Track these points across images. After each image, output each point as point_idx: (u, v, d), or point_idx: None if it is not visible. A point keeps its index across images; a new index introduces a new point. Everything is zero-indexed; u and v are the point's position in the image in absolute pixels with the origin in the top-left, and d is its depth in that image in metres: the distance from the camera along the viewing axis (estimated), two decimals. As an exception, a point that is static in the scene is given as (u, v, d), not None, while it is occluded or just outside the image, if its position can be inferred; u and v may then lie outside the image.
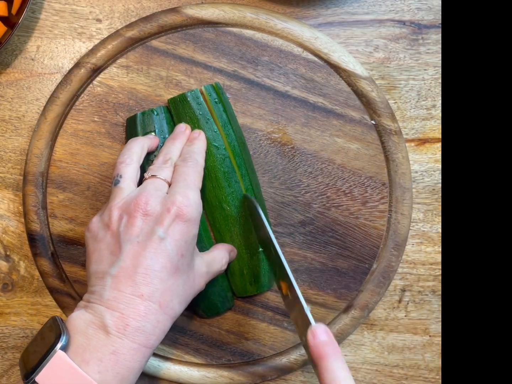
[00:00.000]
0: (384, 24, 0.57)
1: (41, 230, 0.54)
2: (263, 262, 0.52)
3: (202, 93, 0.52)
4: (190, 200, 0.44)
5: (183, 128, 0.51)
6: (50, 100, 0.54)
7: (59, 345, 0.39)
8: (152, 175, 0.47)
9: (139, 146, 0.49)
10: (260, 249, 0.51)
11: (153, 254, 0.41)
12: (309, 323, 0.41)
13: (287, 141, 0.54)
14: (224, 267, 0.50)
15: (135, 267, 0.41)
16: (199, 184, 0.47)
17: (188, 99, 0.51)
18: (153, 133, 0.52)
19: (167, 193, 0.45)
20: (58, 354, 0.39)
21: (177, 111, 0.52)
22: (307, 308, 0.42)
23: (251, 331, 0.54)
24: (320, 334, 0.40)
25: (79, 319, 0.41)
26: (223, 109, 0.52)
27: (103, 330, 0.40)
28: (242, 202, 0.51)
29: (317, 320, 0.54)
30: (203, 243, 0.52)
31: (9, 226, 0.56)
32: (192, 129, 0.52)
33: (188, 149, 0.49)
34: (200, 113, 0.51)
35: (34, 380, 0.39)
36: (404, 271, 0.56)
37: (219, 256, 0.49)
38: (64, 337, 0.40)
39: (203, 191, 0.52)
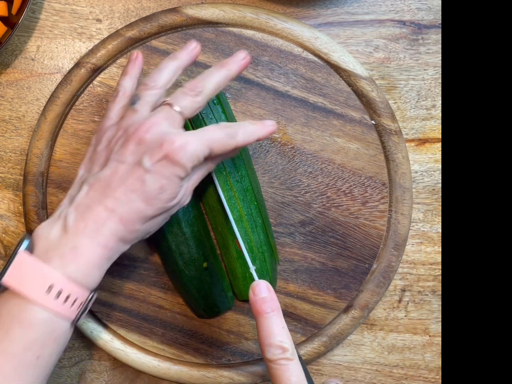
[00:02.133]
0: (384, 24, 0.57)
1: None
2: (266, 263, 0.52)
3: None
4: (189, 148, 0.42)
5: (241, 56, 0.47)
6: (50, 100, 0.54)
7: (20, 247, 0.42)
8: (167, 103, 0.44)
9: (170, 72, 0.46)
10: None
11: (131, 177, 0.42)
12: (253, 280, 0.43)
13: (287, 141, 0.54)
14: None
15: (109, 181, 0.42)
16: (213, 145, 0.43)
17: None
18: None
19: (175, 128, 0.43)
20: (20, 254, 0.41)
21: None
22: (252, 267, 0.45)
23: (251, 331, 0.54)
24: (260, 291, 0.41)
25: (43, 227, 0.43)
26: (221, 110, 0.52)
27: (64, 231, 0.42)
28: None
29: (317, 320, 0.54)
30: (204, 247, 0.52)
31: (9, 226, 0.56)
32: (194, 127, 0.51)
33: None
34: (203, 112, 0.51)
35: (1, 284, 0.41)
36: (404, 271, 0.56)
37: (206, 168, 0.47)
38: (25, 241, 0.42)
39: (204, 196, 0.52)
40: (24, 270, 0.41)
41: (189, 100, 0.44)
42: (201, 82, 0.45)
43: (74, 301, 0.42)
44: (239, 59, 0.47)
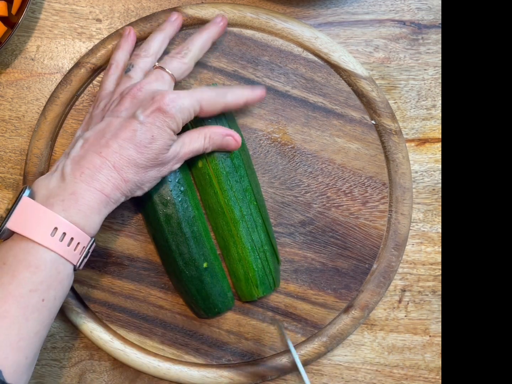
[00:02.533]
0: (384, 24, 0.57)
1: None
2: (268, 263, 0.52)
3: None
4: (179, 100, 0.45)
5: (218, 20, 0.52)
6: (50, 100, 0.54)
7: (23, 194, 0.43)
8: (159, 66, 0.49)
9: (158, 42, 0.51)
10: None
11: (126, 128, 0.45)
12: None
13: (287, 141, 0.54)
14: (207, 145, 0.50)
15: (104, 133, 0.45)
16: (204, 103, 0.47)
17: None
18: None
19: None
20: (24, 199, 0.43)
21: None
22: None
23: (251, 331, 0.54)
24: None
25: (42, 179, 0.45)
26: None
27: (62, 178, 0.44)
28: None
29: (317, 320, 0.54)
30: (205, 247, 0.51)
31: (9, 226, 0.55)
32: (192, 127, 0.51)
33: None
34: None
35: (6, 229, 0.43)
36: (404, 271, 0.56)
37: (199, 135, 0.50)
38: (27, 190, 0.44)
39: (205, 198, 0.52)
40: (28, 214, 0.43)
41: (177, 62, 0.49)
42: (186, 46, 0.50)
43: (77, 244, 0.44)
44: (217, 22, 0.52)
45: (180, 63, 0.50)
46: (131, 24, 0.55)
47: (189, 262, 0.51)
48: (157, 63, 0.50)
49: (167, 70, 0.49)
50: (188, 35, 0.54)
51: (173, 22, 0.53)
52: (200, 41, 0.51)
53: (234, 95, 0.49)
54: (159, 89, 0.47)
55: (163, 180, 0.50)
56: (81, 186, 0.44)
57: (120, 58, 0.52)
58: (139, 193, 0.47)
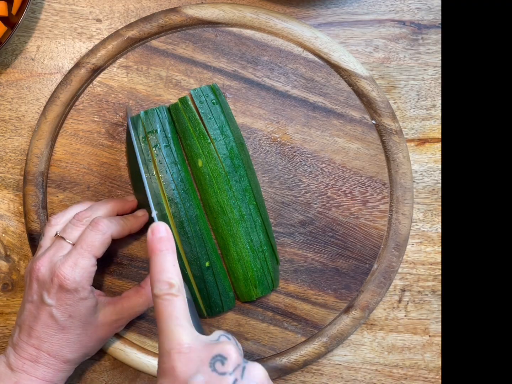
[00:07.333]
0: (384, 24, 0.57)
1: (41, 230, 0.54)
2: (267, 263, 0.52)
3: (198, 96, 0.52)
4: (75, 271, 0.47)
5: (129, 199, 0.53)
6: (50, 100, 0.54)
7: None
8: (60, 236, 0.49)
9: (71, 213, 0.51)
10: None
11: (42, 315, 0.48)
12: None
13: (287, 141, 0.54)
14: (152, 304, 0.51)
15: (30, 322, 0.48)
16: (97, 252, 0.48)
17: (189, 102, 0.52)
18: (150, 134, 0.52)
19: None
20: None
21: (178, 116, 0.52)
22: (154, 210, 0.47)
23: (251, 331, 0.54)
24: (159, 230, 0.41)
25: None
26: (220, 110, 0.52)
27: (9, 367, 0.48)
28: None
29: (318, 320, 0.54)
30: (207, 246, 0.51)
31: (9, 226, 0.56)
32: (192, 127, 0.51)
33: (115, 218, 0.50)
34: (202, 112, 0.51)
35: None
36: (404, 271, 0.56)
37: (140, 301, 0.51)
38: None
39: (205, 197, 0.52)
40: None
41: (78, 231, 0.49)
42: (89, 213, 0.50)
43: None
44: (127, 200, 0.53)
45: (81, 232, 0.49)
46: (131, 24, 0.54)
47: (191, 261, 0.51)
48: (58, 232, 0.49)
49: (67, 240, 0.48)
50: (188, 35, 0.54)
51: (129, 203, 0.53)
52: (103, 211, 0.50)
53: (119, 230, 0.49)
54: (56, 264, 0.47)
55: (164, 180, 0.50)
56: (24, 376, 0.47)
57: (56, 221, 0.51)
58: (92, 353, 0.51)
